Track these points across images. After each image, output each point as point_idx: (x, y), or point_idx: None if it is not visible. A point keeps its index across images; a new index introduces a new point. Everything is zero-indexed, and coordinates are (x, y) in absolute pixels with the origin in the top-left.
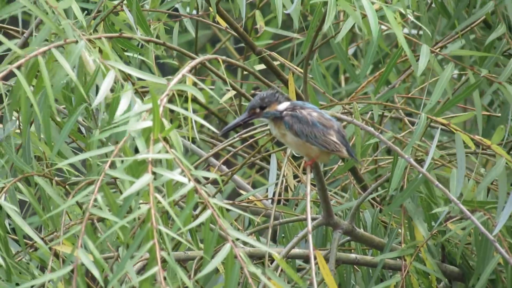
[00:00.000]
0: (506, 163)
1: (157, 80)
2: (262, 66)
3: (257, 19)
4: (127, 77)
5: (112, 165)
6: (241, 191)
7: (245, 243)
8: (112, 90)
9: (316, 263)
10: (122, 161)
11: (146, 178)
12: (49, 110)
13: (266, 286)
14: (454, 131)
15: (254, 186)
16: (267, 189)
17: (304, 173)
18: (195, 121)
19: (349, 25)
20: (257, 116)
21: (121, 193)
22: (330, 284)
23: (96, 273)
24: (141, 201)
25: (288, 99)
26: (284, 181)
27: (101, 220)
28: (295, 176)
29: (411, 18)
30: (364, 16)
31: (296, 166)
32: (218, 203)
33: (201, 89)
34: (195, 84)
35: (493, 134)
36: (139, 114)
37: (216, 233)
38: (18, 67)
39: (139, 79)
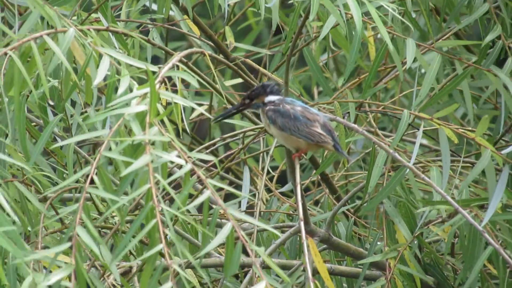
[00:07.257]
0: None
1: (148, 67)
2: (239, 80)
3: (227, 35)
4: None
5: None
6: (212, 205)
7: None
8: (104, 79)
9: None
10: (117, 143)
11: (146, 158)
12: (24, 119)
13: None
14: (437, 125)
15: (226, 199)
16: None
17: (278, 187)
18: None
19: (330, 24)
20: (246, 107)
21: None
22: (322, 272)
23: (95, 249)
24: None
25: (281, 93)
26: (257, 194)
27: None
28: (268, 190)
29: (395, 14)
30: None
31: (268, 180)
32: (215, 183)
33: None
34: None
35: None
36: (135, 97)
37: (216, 211)
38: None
39: (130, 65)
